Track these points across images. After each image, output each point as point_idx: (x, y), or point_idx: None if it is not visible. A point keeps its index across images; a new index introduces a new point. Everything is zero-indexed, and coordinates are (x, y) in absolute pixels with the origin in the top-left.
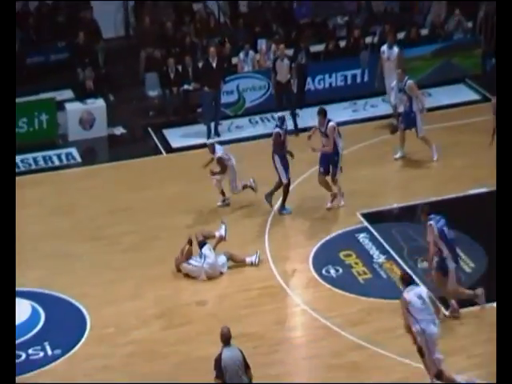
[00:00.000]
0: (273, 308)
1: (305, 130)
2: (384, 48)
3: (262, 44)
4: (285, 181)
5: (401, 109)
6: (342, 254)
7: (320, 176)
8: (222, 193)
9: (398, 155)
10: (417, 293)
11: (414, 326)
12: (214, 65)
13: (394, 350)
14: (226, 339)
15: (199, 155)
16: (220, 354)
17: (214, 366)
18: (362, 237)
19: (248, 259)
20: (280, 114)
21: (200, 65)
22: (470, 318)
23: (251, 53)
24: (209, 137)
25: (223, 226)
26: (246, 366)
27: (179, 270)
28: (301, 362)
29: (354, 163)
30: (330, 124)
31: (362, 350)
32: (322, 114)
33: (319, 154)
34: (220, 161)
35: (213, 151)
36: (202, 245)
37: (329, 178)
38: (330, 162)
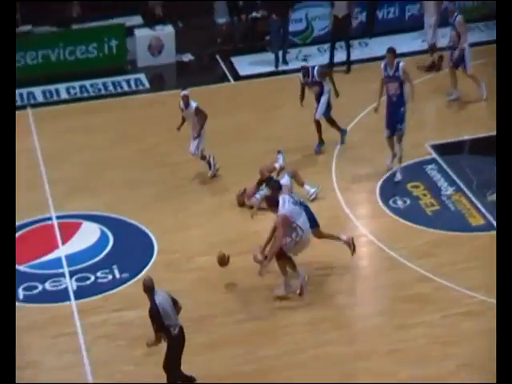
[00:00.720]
0: None
1: (375, 59)
2: None
3: None
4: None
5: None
6: (409, 186)
7: (388, 139)
8: (204, 157)
9: (452, 97)
10: (291, 199)
11: (293, 233)
12: None
13: (460, 283)
14: (150, 288)
15: (267, 83)
16: (154, 303)
17: (152, 319)
18: (430, 168)
19: (307, 187)
20: (303, 64)
21: None
22: None
23: None
24: (277, 65)
25: (280, 156)
26: (174, 302)
27: (242, 205)
28: (367, 292)
29: (423, 94)
30: (402, 64)
31: (428, 282)
32: (392, 52)
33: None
34: (199, 110)
35: (187, 104)
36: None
37: None
38: (394, 117)
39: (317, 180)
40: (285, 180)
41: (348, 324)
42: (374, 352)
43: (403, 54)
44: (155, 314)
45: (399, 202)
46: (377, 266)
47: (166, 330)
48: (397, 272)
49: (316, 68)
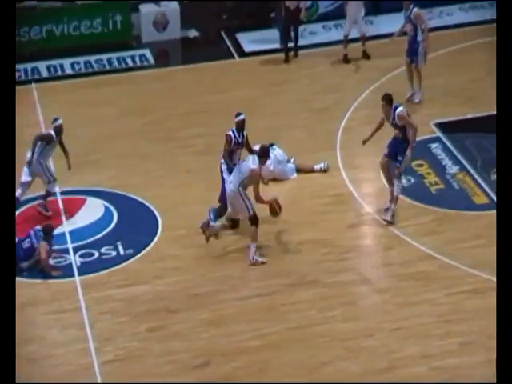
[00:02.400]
0: (344, 216)
1: (378, 36)
2: None
3: None
4: None
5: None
6: (414, 164)
7: (383, 158)
8: None
9: (409, 94)
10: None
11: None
12: None
13: (464, 261)
14: None
15: (272, 60)
16: None
17: None
18: (434, 147)
19: (316, 166)
20: None
21: None
22: None
23: None
24: (281, 43)
25: (323, 164)
26: None
27: None
28: (371, 270)
29: (428, 72)
30: (399, 110)
31: (432, 260)
32: (386, 101)
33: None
34: None
35: None
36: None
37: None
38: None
39: (322, 157)
40: (290, 165)
41: (352, 301)
42: (378, 329)
43: None
44: None
45: (403, 181)
46: (381, 244)
47: None
48: (401, 250)
49: None
